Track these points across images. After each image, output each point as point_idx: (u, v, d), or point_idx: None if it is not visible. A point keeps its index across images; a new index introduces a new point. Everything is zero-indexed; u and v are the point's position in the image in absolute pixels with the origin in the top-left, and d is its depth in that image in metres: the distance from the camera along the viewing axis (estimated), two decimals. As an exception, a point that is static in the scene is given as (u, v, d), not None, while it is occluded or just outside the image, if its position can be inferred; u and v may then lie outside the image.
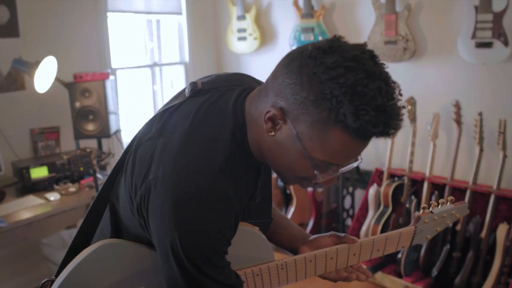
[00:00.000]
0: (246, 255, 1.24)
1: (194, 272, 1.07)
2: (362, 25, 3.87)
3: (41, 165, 3.17)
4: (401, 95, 1.01)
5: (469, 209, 1.48)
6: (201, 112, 1.15)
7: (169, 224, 1.04)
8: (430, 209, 1.42)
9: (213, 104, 1.16)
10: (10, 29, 3.28)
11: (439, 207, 1.43)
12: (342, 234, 1.34)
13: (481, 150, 3.22)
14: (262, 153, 1.13)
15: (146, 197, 1.09)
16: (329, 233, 1.35)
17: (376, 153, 3.96)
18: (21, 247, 3.45)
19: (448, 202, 1.44)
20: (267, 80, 1.09)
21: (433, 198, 3.43)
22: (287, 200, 4.20)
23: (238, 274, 1.22)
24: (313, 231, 3.97)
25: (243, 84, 1.21)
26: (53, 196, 3.02)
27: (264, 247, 1.26)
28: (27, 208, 2.87)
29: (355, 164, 1.13)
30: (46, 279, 1.26)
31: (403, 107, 1.01)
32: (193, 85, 1.20)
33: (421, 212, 1.41)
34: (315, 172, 1.06)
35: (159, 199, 1.06)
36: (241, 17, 4.47)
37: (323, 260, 1.31)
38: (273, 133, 1.06)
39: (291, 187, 4.03)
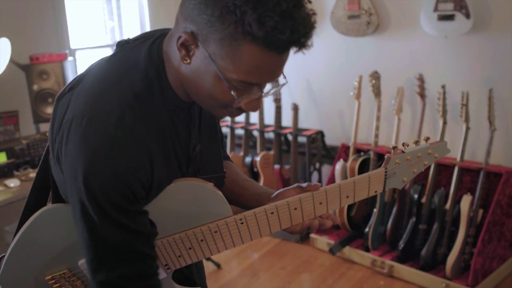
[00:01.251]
0: (201, 212, 1.19)
1: (96, 213, 1.03)
2: (325, -1, 3.83)
3: (-1, 151, 3.07)
4: (310, 2, 0.99)
5: (449, 149, 1.33)
6: (117, 56, 1.14)
7: (76, 163, 1.02)
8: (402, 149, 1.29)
9: (131, 49, 1.14)
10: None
11: (413, 146, 1.30)
12: (305, 184, 1.25)
13: (445, 122, 3.25)
14: (185, 88, 1.10)
15: (61, 141, 1.06)
16: (294, 185, 1.28)
17: (342, 128, 3.96)
18: (-18, 235, 3.37)
19: (424, 141, 1.31)
20: (177, 11, 1.06)
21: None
22: (254, 178, 4.18)
23: (194, 231, 1.18)
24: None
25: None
26: (13, 183, 2.93)
27: (220, 203, 1.20)
28: (-14, 196, 2.78)
29: (279, 87, 1.10)
30: (2, 254, 1.24)
31: (314, 14, 0.98)
32: (122, 40, 1.19)
33: (391, 153, 1.29)
34: (232, 93, 1.02)
35: (70, 139, 1.03)
36: (203, -6, 4.38)
37: (286, 211, 1.23)
38: (188, 61, 1.03)
39: (258, 165, 4.01)
